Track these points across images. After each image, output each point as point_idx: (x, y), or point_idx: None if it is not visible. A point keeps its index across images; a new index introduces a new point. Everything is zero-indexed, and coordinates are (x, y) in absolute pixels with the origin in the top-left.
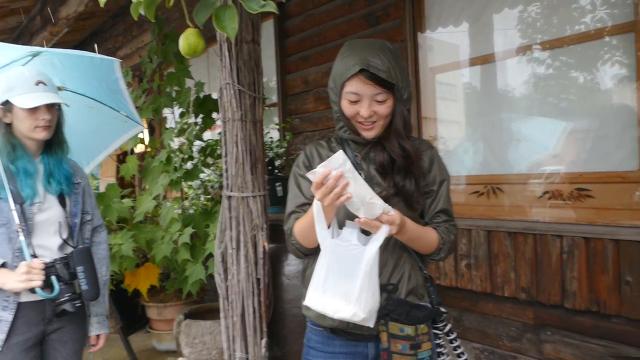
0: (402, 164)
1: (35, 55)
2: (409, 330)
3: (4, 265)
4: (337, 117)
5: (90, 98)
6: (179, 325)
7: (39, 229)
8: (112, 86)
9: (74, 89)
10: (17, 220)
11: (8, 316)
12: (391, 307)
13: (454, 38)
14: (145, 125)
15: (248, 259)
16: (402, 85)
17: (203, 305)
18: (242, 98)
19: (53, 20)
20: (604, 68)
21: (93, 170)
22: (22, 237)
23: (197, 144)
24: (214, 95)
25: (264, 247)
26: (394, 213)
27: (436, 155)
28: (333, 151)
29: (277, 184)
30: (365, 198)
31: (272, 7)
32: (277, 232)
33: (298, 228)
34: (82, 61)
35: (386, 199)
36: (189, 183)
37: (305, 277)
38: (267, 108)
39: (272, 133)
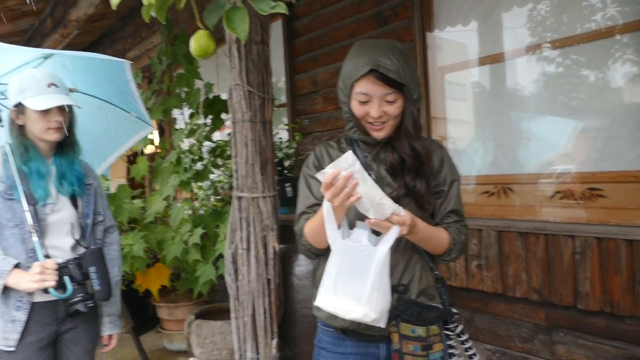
0: (412, 164)
1: (47, 57)
2: (420, 331)
3: (17, 265)
4: (346, 117)
5: (101, 99)
6: (189, 326)
7: (52, 229)
8: (123, 88)
9: (85, 90)
10: (30, 221)
11: (22, 316)
12: (402, 307)
13: (463, 37)
14: (155, 126)
15: (258, 260)
16: (412, 85)
17: (213, 305)
18: (251, 99)
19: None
20: (615, 66)
21: (104, 171)
22: (35, 238)
23: (207, 144)
24: (223, 96)
25: (274, 247)
26: (404, 214)
27: (446, 156)
28: (343, 152)
29: (287, 184)
30: (374, 198)
31: (282, 8)
32: (287, 233)
33: (308, 229)
34: (93, 63)
35: (397, 200)
36: (199, 184)
37: (315, 277)
38: (275, 109)
39: (281, 134)
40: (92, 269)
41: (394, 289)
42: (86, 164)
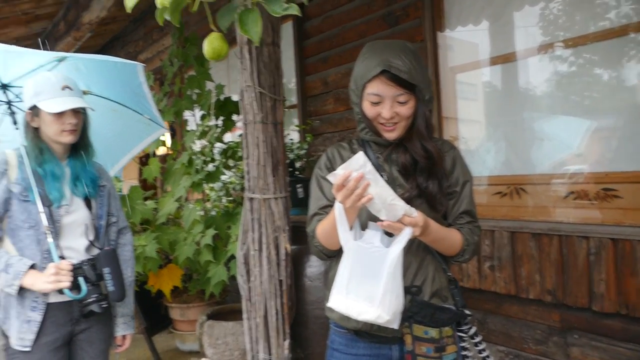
0: (424, 165)
1: (61, 60)
2: (433, 332)
3: (33, 266)
4: (358, 118)
5: (115, 102)
6: (201, 326)
7: (67, 231)
8: (136, 90)
9: (98, 93)
10: (45, 222)
11: (37, 317)
12: (415, 309)
13: (474, 37)
14: (167, 127)
15: (270, 261)
16: (424, 85)
17: (225, 306)
18: (262, 100)
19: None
20: (630, 65)
21: (117, 173)
22: (50, 239)
23: (218, 146)
24: (234, 98)
25: (286, 248)
26: (417, 215)
27: (458, 156)
28: (354, 153)
29: (298, 185)
30: (386, 199)
31: (295, 10)
32: (298, 234)
33: (320, 230)
34: (106, 66)
35: (409, 201)
36: (211, 185)
37: (328, 278)
38: (286, 110)
39: (292, 135)
40: (106, 270)
41: (407, 290)
42: (99, 165)
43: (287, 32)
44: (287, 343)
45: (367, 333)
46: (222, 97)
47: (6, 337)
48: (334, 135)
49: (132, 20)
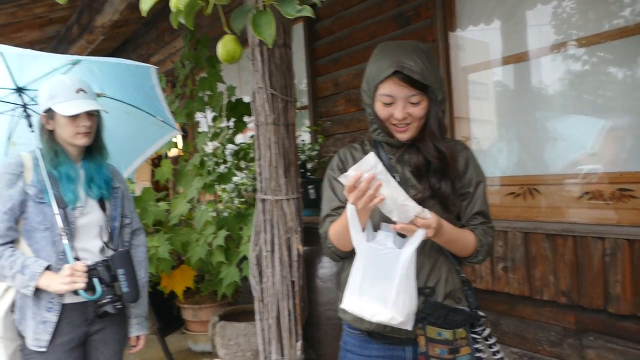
0: (437, 165)
1: (75, 63)
2: (447, 334)
3: (48, 267)
4: (370, 119)
5: (128, 104)
6: (214, 327)
7: (81, 232)
8: (149, 92)
9: (112, 95)
10: (60, 224)
11: (53, 317)
12: (429, 310)
13: (486, 36)
14: (179, 129)
15: (282, 262)
16: (436, 86)
17: (237, 307)
18: (274, 102)
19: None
20: None
21: (130, 175)
22: (65, 241)
23: (230, 147)
24: (246, 99)
25: (298, 249)
26: (430, 216)
27: (471, 157)
28: (367, 154)
29: (310, 186)
30: (398, 200)
31: (308, 12)
32: (310, 235)
33: (333, 231)
34: (120, 68)
35: (422, 202)
36: (223, 186)
37: (340, 280)
38: (297, 111)
39: (304, 136)
40: (120, 271)
41: (420, 291)
42: (113, 167)
43: (298, 34)
44: (299, 344)
45: (380, 334)
46: (233, 99)
47: (22, 337)
48: (345, 136)
49: (144, 23)
